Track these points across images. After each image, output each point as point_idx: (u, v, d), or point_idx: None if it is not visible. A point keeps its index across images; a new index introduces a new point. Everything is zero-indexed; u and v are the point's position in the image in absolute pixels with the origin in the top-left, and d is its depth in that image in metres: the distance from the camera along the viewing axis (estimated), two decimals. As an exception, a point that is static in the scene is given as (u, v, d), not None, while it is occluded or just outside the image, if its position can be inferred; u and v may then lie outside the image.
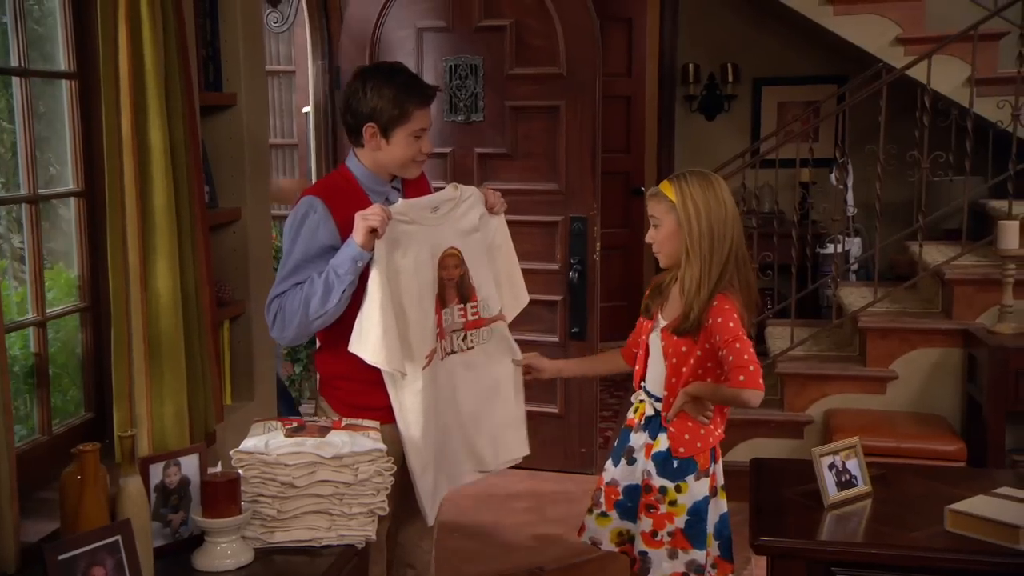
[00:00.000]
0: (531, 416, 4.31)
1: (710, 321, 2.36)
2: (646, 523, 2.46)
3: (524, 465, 4.32)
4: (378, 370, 2.34)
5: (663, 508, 2.45)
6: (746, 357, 2.29)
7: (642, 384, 2.57)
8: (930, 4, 4.86)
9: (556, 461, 4.33)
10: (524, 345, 4.35)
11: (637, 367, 2.59)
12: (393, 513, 2.42)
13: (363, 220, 2.25)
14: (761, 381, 2.29)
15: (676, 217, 2.41)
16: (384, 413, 2.39)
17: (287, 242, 2.40)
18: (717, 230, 2.38)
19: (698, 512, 2.44)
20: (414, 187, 2.57)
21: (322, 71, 4.67)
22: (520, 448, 2.73)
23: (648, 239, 2.51)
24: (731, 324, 2.33)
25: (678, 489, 2.44)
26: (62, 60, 2.47)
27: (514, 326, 4.37)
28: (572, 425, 4.36)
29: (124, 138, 2.22)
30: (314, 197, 2.40)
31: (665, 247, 2.48)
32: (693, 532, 2.43)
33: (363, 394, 2.43)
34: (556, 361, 2.84)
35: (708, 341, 2.37)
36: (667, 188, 2.45)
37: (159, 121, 2.27)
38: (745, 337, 2.33)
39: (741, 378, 2.28)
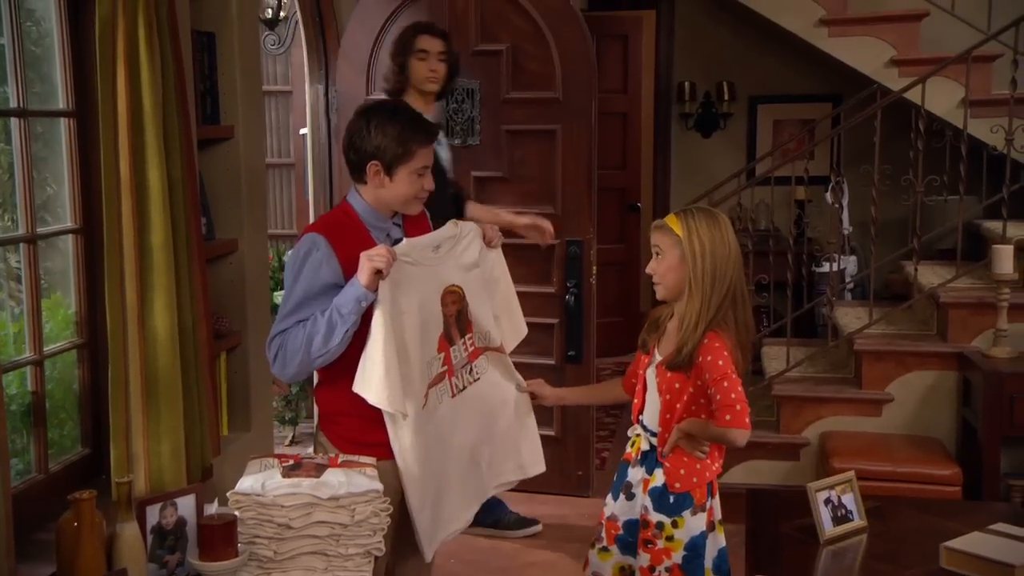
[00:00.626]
0: (528, 439, 4.35)
1: (700, 358, 2.37)
2: (644, 558, 2.47)
3: (521, 488, 4.32)
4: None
5: (660, 543, 2.45)
6: (733, 396, 2.30)
7: (640, 418, 2.58)
8: (924, 26, 4.88)
9: (553, 484, 4.32)
10: (520, 368, 4.38)
11: (635, 400, 2.60)
12: (391, 549, 2.43)
13: (368, 261, 2.25)
14: (748, 420, 2.30)
15: (681, 252, 2.42)
16: (385, 449, 2.39)
17: (289, 279, 2.40)
18: (720, 269, 2.39)
19: (695, 547, 2.44)
20: (414, 223, 2.58)
21: (320, 95, 4.69)
22: (537, 464, 2.75)
23: (649, 270, 2.51)
24: (720, 362, 2.34)
25: (675, 524, 2.45)
26: (61, 94, 2.48)
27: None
28: (569, 448, 4.37)
29: (122, 177, 2.23)
30: (317, 234, 2.41)
31: (666, 279, 2.48)
32: (691, 567, 2.43)
33: (364, 430, 2.43)
34: (558, 389, 2.86)
35: (700, 378, 2.39)
36: (674, 222, 2.46)
37: (157, 160, 2.28)
38: (734, 375, 2.34)
39: (727, 417, 2.29)
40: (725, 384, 2.31)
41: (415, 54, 3.61)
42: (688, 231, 2.42)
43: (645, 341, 2.58)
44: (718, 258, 2.39)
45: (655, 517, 2.45)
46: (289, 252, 2.51)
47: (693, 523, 2.44)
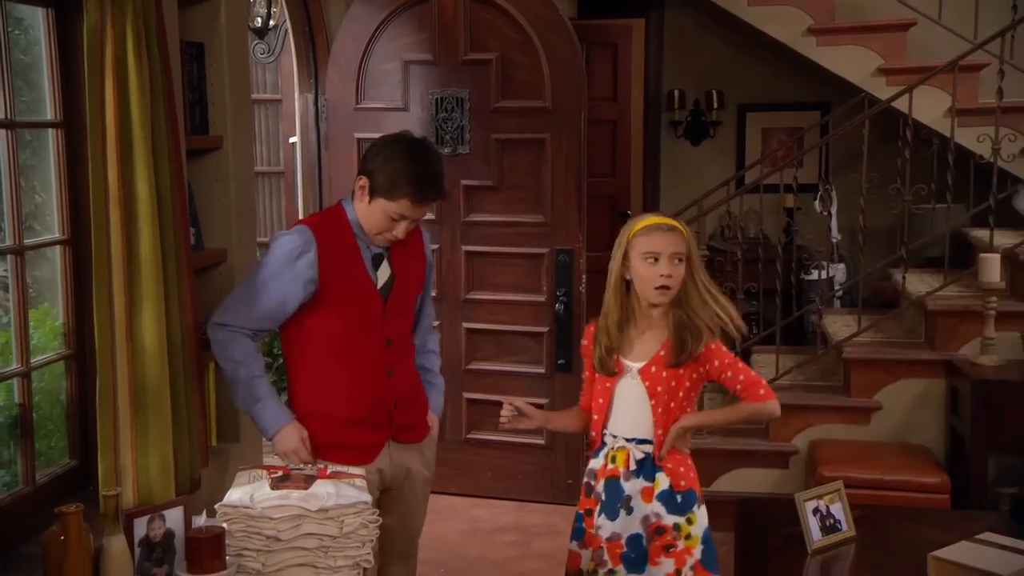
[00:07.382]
0: (517, 448, 4.36)
1: (703, 348, 2.38)
2: (667, 565, 2.42)
3: (510, 497, 4.35)
4: (353, 407, 2.53)
5: (681, 544, 2.43)
6: (754, 373, 2.42)
7: (606, 432, 2.53)
8: (911, 35, 4.91)
9: (543, 493, 4.34)
10: (510, 377, 4.38)
11: (595, 416, 2.54)
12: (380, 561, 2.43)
13: (287, 456, 2.52)
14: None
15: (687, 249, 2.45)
16: (353, 452, 2.50)
17: (268, 269, 2.47)
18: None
19: (708, 539, 2.47)
20: (401, 246, 2.57)
21: (309, 103, 4.68)
22: None
23: (672, 276, 2.40)
24: (725, 347, 2.40)
25: (689, 521, 2.45)
26: (48, 105, 2.47)
27: (501, 358, 4.42)
28: (558, 456, 4.37)
29: (111, 189, 2.23)
30: (311, 233, 2.49)
31: (677, 284, 2.44)
32: (708, 559, 2.44)
33: (334, 432, 2.54)
34: (544, 412, 2.77)
35: (698, 368, 2.41)
36: (675, 223, 2.47)
37: (145, 171, 2.28)
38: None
39: (761, 391, 2.39)
40: (741, 364, 2.40)
41: None
42: (686, 227, 2.46)
43: (605, 362, 2.50)
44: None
45: (670, 520, 2.44)
46: (280, 237, 2.52)
47: (702, 515, 2.48)
